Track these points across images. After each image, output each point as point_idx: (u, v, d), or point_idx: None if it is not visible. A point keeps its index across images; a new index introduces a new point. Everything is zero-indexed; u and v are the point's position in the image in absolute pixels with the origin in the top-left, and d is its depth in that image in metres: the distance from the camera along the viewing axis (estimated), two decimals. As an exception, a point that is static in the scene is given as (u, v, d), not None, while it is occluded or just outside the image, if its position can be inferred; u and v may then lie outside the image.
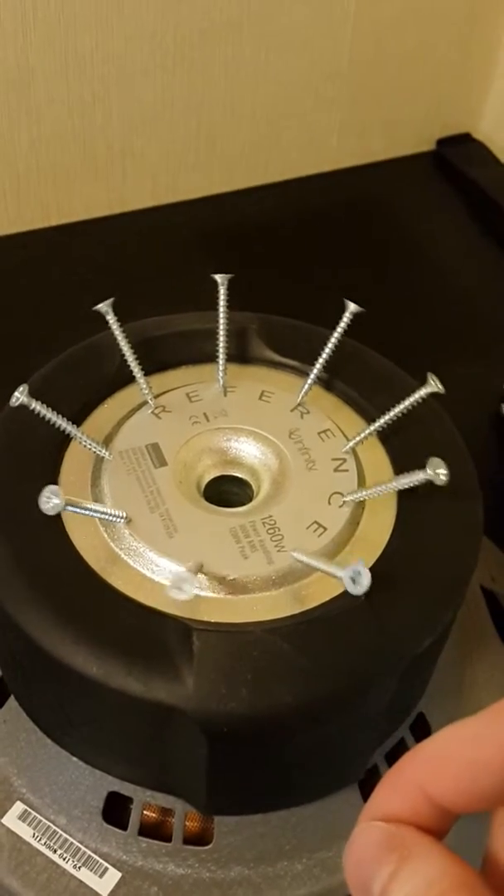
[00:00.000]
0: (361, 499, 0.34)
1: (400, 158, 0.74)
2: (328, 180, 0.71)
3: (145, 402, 0.36)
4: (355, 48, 0.66)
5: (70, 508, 0.31)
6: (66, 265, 0.63)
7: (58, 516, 0.32)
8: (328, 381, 0.38)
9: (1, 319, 0.59)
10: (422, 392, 0.35)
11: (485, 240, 0.69)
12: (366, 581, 0.29)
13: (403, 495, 0.34)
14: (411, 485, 0.33)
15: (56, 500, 0.31)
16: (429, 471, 0.32)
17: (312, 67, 0.66)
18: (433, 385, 0.35)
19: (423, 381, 0.35)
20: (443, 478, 0.32)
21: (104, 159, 0.63)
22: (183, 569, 0.30)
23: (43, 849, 0.34)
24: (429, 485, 0.32)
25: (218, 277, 0.37)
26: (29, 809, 0.35)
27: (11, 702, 0.36)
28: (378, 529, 0.33)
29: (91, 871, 0.34)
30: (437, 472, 0.32)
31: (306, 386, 0.37)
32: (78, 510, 0.31)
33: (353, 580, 0.29)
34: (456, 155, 0.73)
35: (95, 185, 0.64)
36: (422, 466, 0.32)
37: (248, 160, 0.68)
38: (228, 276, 0.37)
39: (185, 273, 0.62)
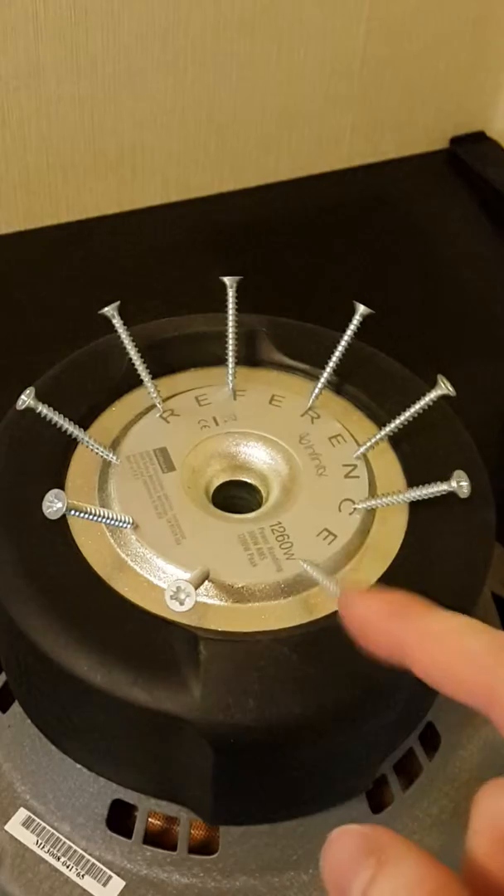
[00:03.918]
0: (374, 507, 0.33)
1: (413, 157, 0.73)
2: (340, 179, 0.71)
3: (153, 406, 0.36)
4: (368, 46, 0.66)
5: (73, 513, 0.31)
6: (76, 262, 0.62)
7: (64, 521, 0.32)
8: (338, 385, 0.37)
9: (10, 317, 0.59)
10: (432, 395, 0.34)
11: (499, 239, 0.68)
12: None
13: (415, 501, 0.33)
14: (432, 496, 0.32)
15: (59, 504, 0.30)
16: (453, 483, 0.31)
17: (325, 65, 0.65)
18: (443, 387, 0.34)
19: (433, 384, 0.34)
20: (465, 491, 0.31)
21: (114, 157, 0.63)
22: (182, 579, 0.29)
23: (46, 856, 0.34)
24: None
25: (227, 280, 0.37)
26: (32, 816, 0.34)
27: (16, 707, 0.36)
28: (389, 537, 0.33)
29: (95, 879, 0.33)
30: (460, 484, 0.31)
31: (317, 390, 0.36)
32: (82, 515, 0.31)
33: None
34: (470, 153, 0.73)
35: (105, 183, 0.64)
36: (434, 472, 0.32)
37: (259, 158, 0.68)
38: (237, 278, 0.37)
39: (194, 271, 0.62)
